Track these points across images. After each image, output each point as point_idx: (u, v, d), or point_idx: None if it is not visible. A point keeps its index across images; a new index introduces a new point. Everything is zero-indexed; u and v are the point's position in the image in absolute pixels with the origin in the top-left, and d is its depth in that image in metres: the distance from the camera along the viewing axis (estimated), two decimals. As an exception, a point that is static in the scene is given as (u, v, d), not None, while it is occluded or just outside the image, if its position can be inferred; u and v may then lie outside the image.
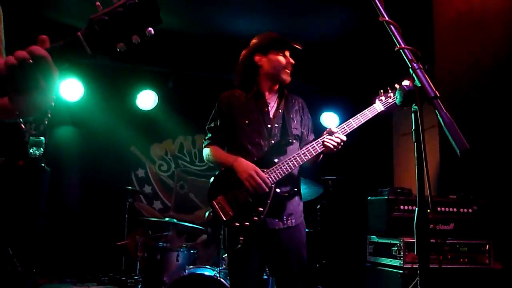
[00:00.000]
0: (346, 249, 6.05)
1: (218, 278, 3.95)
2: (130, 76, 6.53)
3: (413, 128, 1.45)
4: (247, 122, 2.87)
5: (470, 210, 3.81)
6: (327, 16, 5.65)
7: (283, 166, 2.72)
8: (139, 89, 6.47)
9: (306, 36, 5.80)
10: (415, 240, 1.45)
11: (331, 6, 5.39)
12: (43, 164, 4.82)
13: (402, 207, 3.72)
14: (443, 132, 1.34)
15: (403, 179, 5.55)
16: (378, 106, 2.81)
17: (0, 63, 1.16)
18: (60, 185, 6.15)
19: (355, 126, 2.78)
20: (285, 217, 2.80)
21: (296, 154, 2.73)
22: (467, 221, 3.78)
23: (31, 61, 1.14)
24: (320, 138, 2.77)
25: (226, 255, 3.58)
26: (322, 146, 2.74)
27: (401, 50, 1.50)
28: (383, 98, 2.83)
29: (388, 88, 2.84)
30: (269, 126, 2.87)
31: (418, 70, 1.45)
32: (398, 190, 3.81)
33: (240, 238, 2.63)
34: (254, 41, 3.02)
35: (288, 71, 2.93)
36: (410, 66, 1.47)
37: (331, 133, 2.75)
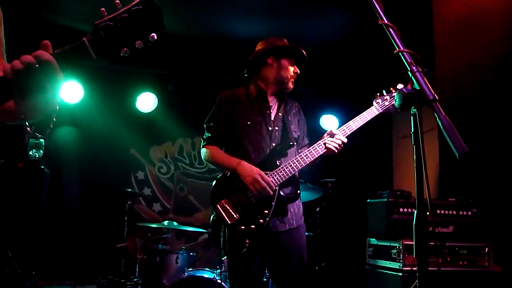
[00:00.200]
0: (346, 251, 6.04)
1: (219, 281, 3.94)
2: (130, 78, 6.54)
3: (412, 131, 1.46)
4: (248, 123, 2.87)
5: (469, 213, 3.81)
6: (326, 19, 5.66)
7: (286, 168, 2.73)
8: (139, 92, 6.47)
9: (306, 39, 5.81)
10: (414, 243, 1.45)
11: (330, 9, 5.40)
12: (42, 166, 4.82)
13: (401, 209, 3.71)
14: (442, 135, 1.35)
15: (402, 181, 5.55)
16: (375, 109, 2.85)
17: (6, 67, 1.17)
18: (60, 187, 6.15)
19: (355, 128, 2.82)
20: (287, 219, 2.81)
21: (299, 156, 2.75)
22: (467, 224, 3.78)
23: (37, 65, 1.16)
24: (322, 140, 2.79)
25: (225, 257, 3.58)
26: (324, 148, 2.77)
27: (400, 53, 1.51)
28: (379, 100, 2.88)
29: (384, 91, 2.88)
30: (270, 128, 2.88)
31: (417, 73, 1.45)
32: (398, 193, 3.81)
33: (247, 241, 2.63)
34: (265, 43, 3.02)
35: (293, 80, 2.98)
36: (409, 69, 1.48)
37: (332, 135, 2.78)
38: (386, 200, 3.75)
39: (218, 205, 2.72)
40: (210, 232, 4.86)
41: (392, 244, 3.66)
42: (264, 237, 2.75)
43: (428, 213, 1.45)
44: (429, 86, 1.42)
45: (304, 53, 2.97)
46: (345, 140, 2.80)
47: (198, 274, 4.06)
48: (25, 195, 4.62)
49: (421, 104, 1.43)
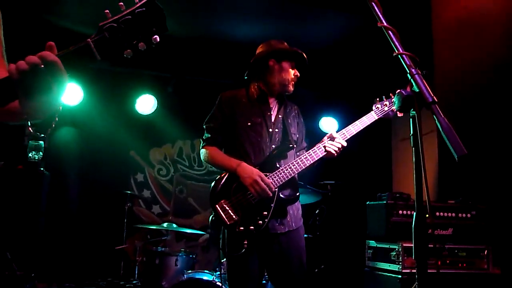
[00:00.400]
0: (345, 254, 6.05)
1: (218, 283, 3.94)
2: (130, 80, 6.54)
3: (411, 133, 1.46)
4: (249, 124, 2.88)
5: (468, 215, 3.81)
6: (326, 21, 5.67)
7: (286, 170, 2.74)
8: (138, 94, 6.48)
9: (306, 41, 5.81)
10: (413, 245, 1.45)
11: (330, 12, 5.42)
12: (42, 168, 4.82)
13: (400, 212, 3.72)
14: (441, 137, 1.35)
15: (402, 184, 5.55)
16: (374, 114, 2.88)
17: (11, 68, 1.18)
18: (59, 189, 6.15)
19: (354, 132, 2.85)
20: (286, 221, 2.81)
21: (298, 159, 2.77)
22: (466, 226, 3.78)
23: (42, 66, 1.17)
24: (321, 143, 2.81)
25: (225, 259, 3.58)
26: (323, 151, 2.78)
27: (399, 56, 1.51)
28: (379, 106, 2.90)
29: (384, 96, 2.90)
30: (270, 130, 2.89)
31: (416, 76, 1.46)
32: (397, 195, 3.81)
33: (245, 242, 2.64)
34: (267, 46, 3.03)
35: (294, 83, 2.99)
36: (408, 72, 1.48)
37: (332, 138, 2.80)
38: (385, 202, 3.75)
39: (217, 206, 2.72)
40: (210, 233, 4.86)
41: (391, 246, 3.66)
42: (263, 238, 2.75)
43: (427, 216, 1.45)
44: (428, 88, 1.43)
45: (305, 56, 2.98)
46: (345, 144, 2.81)
47: (197, 276, 4.06)
48: (24, 197, 4.62)
49: (420, 107, 1.43)
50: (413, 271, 3.45)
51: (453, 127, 1.35)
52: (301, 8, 5.36)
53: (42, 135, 4.66)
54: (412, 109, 1.45)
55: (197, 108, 6.25)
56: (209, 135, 2.94)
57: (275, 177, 2.73)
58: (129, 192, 5.57)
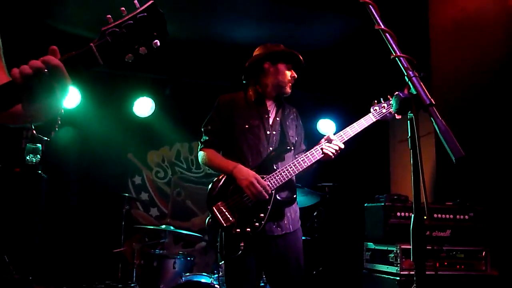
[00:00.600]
0: (343, 256, 6.04)
1: (217, 286, 3.94)
2: (127, 83, 6.53)
3: (409, 135, 1.46)
4: (247, 126, 2.88)
5: (466, 217, 3.82)
6: (323, 24, 5.68)
7: (283, 172, 2.74)
8: (136, 96, 6.47)
9: (303, 43, 5.83)
10: (411, 247, 1.46)
11: (327, 14, 5.43)
12: (39, 171, 4.81)
13: (398, 213, 3.72)
14: (439, 139, 1.35)
15: (399, 185, 5.56)
16: (372, 116, 2.87)
17: (15, 72, 1.19)
18: (57, 192, 6.13)
19: (352, 134, 2.84)
20: (283, 223, 2.81)
21: (295, 161, 2.76)
22: (464, 228, 3.79)
23: (46, 70, 1.18)
24: (319, 145, 2.81)
25: (222, 262, 3.58)
26: (321, 153, 2.78)
27: (396, 58, 1.52)
28: (377, 108, 2.90)
29: (382, 98, 2.90)
30: (268, 132, 2.89)
31: (413, 78, 1.46)
32: (395, 197, 3.82)
33: (241, 244, 2.64)
34: (262, 49, 3.04)
35: (291, 84, 2.99)
36: (405, 74, 1.49)
37: (329, 140, 2.80)
38: (383, 204, 3.75)
39: (214, 208, 2.73)
40: (207, 239, 4.86)
41: (389, 248, 3.66)
42: (260, 241, 2.75)
43: (425, 217, 1.46)
44: (426, 90, 1.43)
45: (301, 57, 2.98)
46: (342, 146, 2.81)
47: (195, 279, 4.06)
48: (22, 199, 4.61)
49: (417, 109, 1.43)
50: (411, 273, 3.45)
51: (451, 129, 1.35)
52: (299, 10, 5.37)
53: (46, 138, 4.65)
54: (409, 111, 1.45)
55: (195, 111, 6.25)
56: (207, 138, 2.94)
57: (272, 179, 2.73)
58: (127, 194, 5.57)
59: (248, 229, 2.67)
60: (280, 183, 2.74)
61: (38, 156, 4.83)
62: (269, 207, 2.71)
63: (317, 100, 6.93)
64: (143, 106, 6.48)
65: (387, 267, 3.66)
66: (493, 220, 3.95)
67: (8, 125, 1.44)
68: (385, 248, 3.72)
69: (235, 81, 3.40)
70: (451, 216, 3.80)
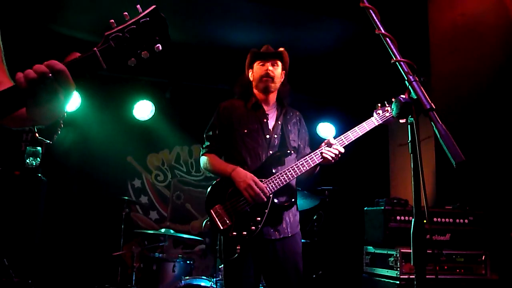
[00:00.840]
0: (343, 259, 6.04)
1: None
2: (127, 86, 6.54)
3: (409, 139, 1.47)
4: (246, 131, 2.89)
5: (466, 221, 3.82)
6: (323, 28, 5.69)
7: (282, 176, 2.74)
8: (136, 99, 6.47)
9: (302, 48, 5.85)
10: (411, 251, 1.46)
11: (327, 18, 5.44)
12: (39, 174, 4.81)
13: (398, 217, 3.72)
14: (439, 143, 1.35)
15: (399, 189, 5.56)
16: (375, 120, 2.86)
17: (19, 77, 1.20)
18: (57, 195, 6.12)
19: (353, 139, 2.83)
20: (281, 227, 2.81)
21: (295, 165, 2.76)
22: (464, 232, 3.79)
23: (50, 75, 1.19)
24: (319, 150, 2.81)
25: (222, 265, 3.58)
26: (320, 158, 2.78)
27: (397, 63, 1.52)
28: (380, 111, 2.89)
29: (386, 102, 2.89)
30: (267, 136, 2.90)
31: (414, 83, 1.47)
32: (395, 201, 3.82)
33: (237, 247, 2.64)
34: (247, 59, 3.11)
35: (266, 79, 2.94)
36: (406, 79, 1.49)
37: (329, 144, 2.79)
38: (383, 208, 3.75)
39: (212, 211, 2.74)
40: (207, 243, 4.86)
41: (389, 252, 3.66)
42: (257, 244, 2.75)
43: (425, 221, 1.46)
44: (426, 95, 1.44)
45: (271, 49, 2.99)
46: (342, 150, 2.81)
47: (195, 283, 4.06)
48: (21, 203, 4.60)
49: (418, 113, 1.44)
50: (411, 277, 3.45)
51: (451, 133, 1.36)
52: (299, 15, 5.38)
53: (48, 141, 4.65)
54: (410, 116, 1.46)
55: (194, 114, 6.28)
56: (208, 143, 2.98)
57: (270, 183, 2.73)
58: (126, 198, 5.56)
59: (244, 233, 2.67)
60: (278, 187, 2.74)
61: (38, 159, 4.83)
62: (266, 210, 2.71)
63: (317, 104, 6.93)
64: (143, 109, 6.48)
65: (387, 271, 3.66)
66: (493, 224, 3.95)
67: (11, 128, 1.45)
68: (385, 252, 3.71)
69: (234, 84, 3.41)
70: (451, 220, 3.79)
